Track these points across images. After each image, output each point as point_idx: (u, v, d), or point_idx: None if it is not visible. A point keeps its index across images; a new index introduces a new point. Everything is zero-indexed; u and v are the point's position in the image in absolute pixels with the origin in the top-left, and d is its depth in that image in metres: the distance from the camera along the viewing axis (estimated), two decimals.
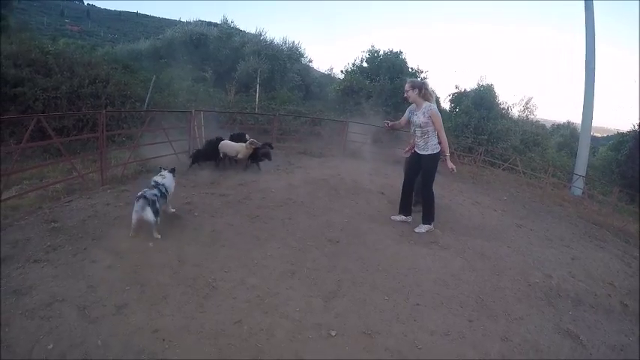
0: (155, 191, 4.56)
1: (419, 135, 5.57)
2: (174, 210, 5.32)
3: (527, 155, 18.68)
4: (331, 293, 3.83)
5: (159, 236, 4.49)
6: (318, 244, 4.90)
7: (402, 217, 6.13)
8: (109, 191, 6.01)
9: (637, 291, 5.49)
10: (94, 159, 7.46)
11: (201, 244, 4.49)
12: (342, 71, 22.66)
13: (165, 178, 4.96)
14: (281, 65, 21.87)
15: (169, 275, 3.80)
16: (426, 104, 5.44)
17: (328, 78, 26.38)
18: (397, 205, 6.28)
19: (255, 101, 17.40)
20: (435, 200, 5.96)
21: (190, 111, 9.12)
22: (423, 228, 5.84)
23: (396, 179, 7.77)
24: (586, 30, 16.09)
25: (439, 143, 5.53)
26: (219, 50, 23.01)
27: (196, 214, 5.33)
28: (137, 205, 4.31)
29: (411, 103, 5.62)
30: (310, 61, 26.22)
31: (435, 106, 5.47)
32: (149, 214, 4.31)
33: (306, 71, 24.50)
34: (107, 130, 7.13)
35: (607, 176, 22.16)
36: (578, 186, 14.21)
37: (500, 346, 3.55)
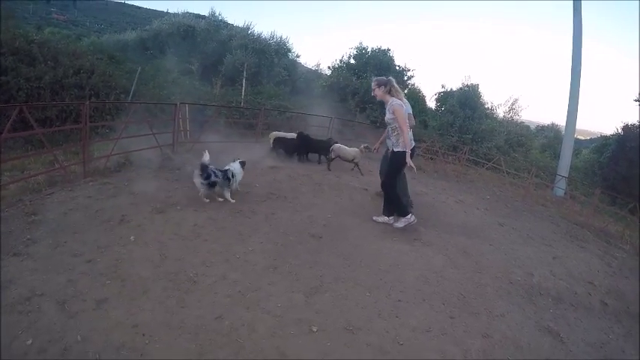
0: (214, 167, 5.57)
1: (390, 132, 5.57)
2: (233, 201, 5.81)
3: (511, 155, 18.99)
4: (313, 289, 3.82)
5: (207, 200, 5.63)
6: (301, 239, 4.88)
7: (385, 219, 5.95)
8: (91, 184, 5.92)
9: (617, 290, 5.59)
10: (77, 151, 7.36)
11: (183, 239, 4.46)
12: (329, 67, 22.73)
13: (234, 165, 5.93)
14: (268, 60, 21.78)
15: (150, 270, 3.76)
16: (391, 100, 5.43)
17: (315, 74, 26.33)
18: (381, 201, 6.24)
19: (241, 95, 17.33)
20: (419, 198, 6.01)
21: (175, 103, 9.02)
22: (379, 218, 5.84)
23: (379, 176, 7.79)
24: (573, 33, 16.29)
25: (410, 138, 5.48)
26: (207, 43, 22.85)
27: (179, 207, 5.27)
28: (195, 172, 5.50)
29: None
30: (298, 56, 26.16)
31: (399, 102, 5.39)
32: (197, 179, 5.46)
33: (293, 66, 24.42)
34: (90, 122, 7.02)
35: (589, 178, 22.60)
36: (561, 187, 14.44)
37: (482, 343, 3.59)
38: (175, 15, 26.46)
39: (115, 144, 7.04)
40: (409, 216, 5.70)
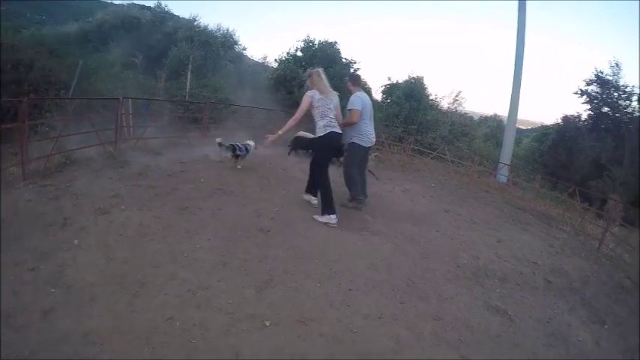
0: (239, 143, 7.55)
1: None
2: (240, 166, 7.50)
3: (456, 145, 19.63)
4: (264, 283, 3.80)
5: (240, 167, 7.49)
6: (249, 234, 4.81)
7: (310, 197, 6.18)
8: (30, 186, 5.60)
9: (559, 269, 5.92)
10: (15, 152, 6.97)
11: (129, 240, 4.30)
12: (276, 60, 22.32)
13: (250, 142, 7.76)
14: (214, 52, 21.37)
15: (97, 274, 3.62)
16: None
17: (262, 66, 26.05)
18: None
19: (185, 89, 16.94)
20: (368, 189, 6.18)
21: (118, 98, 8.70)
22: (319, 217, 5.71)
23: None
24: (517, 28, 17.04)
25: (321, 126, 5.57)
26: (151, 35, 22.16)
27: (123, 207, 5.04)
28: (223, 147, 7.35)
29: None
30: (244, 49, 25.85)
31: (309, 92, 5.61)
32: (226, 153, 7.34)
33: (239, 59, 24.10)
34: (29, 120, 6.67)
35: (530, 165, 23.88)
36: (504, 174, 15.10)
37: (433, 325, 3.71)
38: (120, 6, 25.57)
39: (55, 143, 6.71)
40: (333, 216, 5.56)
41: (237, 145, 7.36)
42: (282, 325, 3.25)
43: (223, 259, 4.13)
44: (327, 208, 5.52)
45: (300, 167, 8.44)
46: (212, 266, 3.97)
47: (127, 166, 6.85)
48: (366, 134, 6.16)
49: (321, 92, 5.58)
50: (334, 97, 5.72)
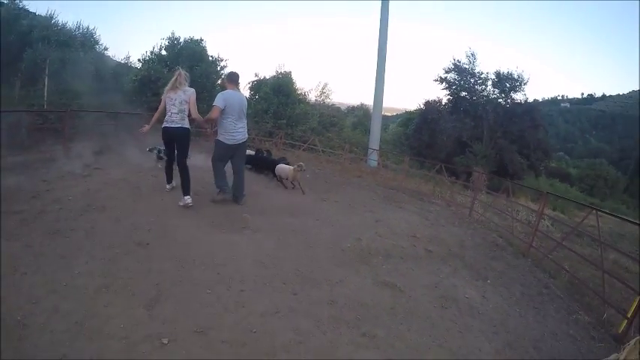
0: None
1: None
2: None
3: (326, 135, 20.46)
4: (153, 300, 3.60)
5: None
6: (128, 250, 4.51)
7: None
8: None
9: (437, 238, 6.48)
10: None
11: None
12: (139, 60, 20.96)
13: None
14: (73, 54, 19.34)
15: None
16: None
17: (125, 67, 24.31)
18: (205, 196, 6.67)
19: (43, 96, 15.26)
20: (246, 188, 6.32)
21: None
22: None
23: (201, 171, 7.66)
24: (380, 21, 18.11)
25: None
26: (3, 36, 19.39)
27: None
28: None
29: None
30: (106, 49, 23.70)
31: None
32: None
33: (101, 60, 22.10)
34: None
35: (398, 148, 25.81)
36: (374, 158, 16.13)
37: (329, 310, 3.85)
38: None
39: None
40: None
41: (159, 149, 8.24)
42: (181, 340, 3.11)
43: (105, 281, 3.79)
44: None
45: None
46: (95, 292, 3.62)
47: None
48: (230, 132, 6.30)
49: (168, 90, 6.15)
50: (183, 93, 6.08)
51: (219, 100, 6.15)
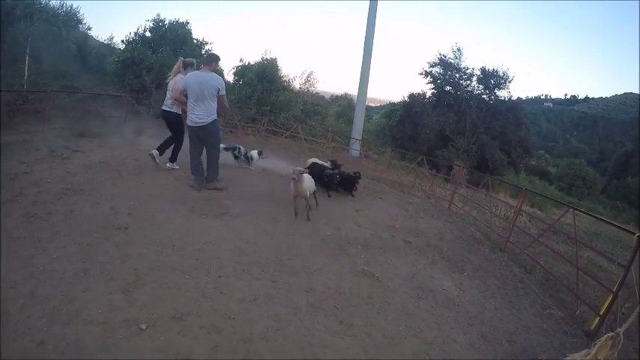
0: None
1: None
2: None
3: (308, 123, 20.36)
4: (131, 285, 3.58)
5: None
6: (107, 234, 4.47)
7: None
8: None
9: (416, 230, 6.55)
10: None
11: None
12: (123, 41, 20.62)
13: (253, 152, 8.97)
14: (56, 32, 18.95)
15: None
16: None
17: (108, 48, 23.86)
18: (184, 180, 6.79)
19: (24, 75, 14.95)
20: (222, 171, 6.81)
21: None
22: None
23: (185, 156, 7.59)
24: (368, 12, 18.10)
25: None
26: None
27: None
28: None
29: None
30: (89, 28, 23.25)
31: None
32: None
33: (84, 40, 21.69)
34: None
35: (380, 139, 25.89)
36: (356, 148, 16.21)
37: (307, 298, 3.89)
38: None
39: None
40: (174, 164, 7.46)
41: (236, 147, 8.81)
42: (159, 326, 3.10)
43: (84, 265, 3.76)
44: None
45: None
46: (73, 276, 3.58)
47: None
48: (190, 114, 6.30)
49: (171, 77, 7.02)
50: (173, 81, 6.88)
51: (180, 82, 6.36)
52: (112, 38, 25.99)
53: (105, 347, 2.83)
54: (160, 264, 4.01)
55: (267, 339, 3.20)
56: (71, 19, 20.89)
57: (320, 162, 8.42)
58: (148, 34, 20.30)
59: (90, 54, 21.55)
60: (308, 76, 25.32)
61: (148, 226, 4.81)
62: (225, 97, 6.48)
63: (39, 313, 3.07)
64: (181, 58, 7.11)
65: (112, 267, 3.84)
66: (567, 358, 2.50)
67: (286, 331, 3.34)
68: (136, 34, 20.39)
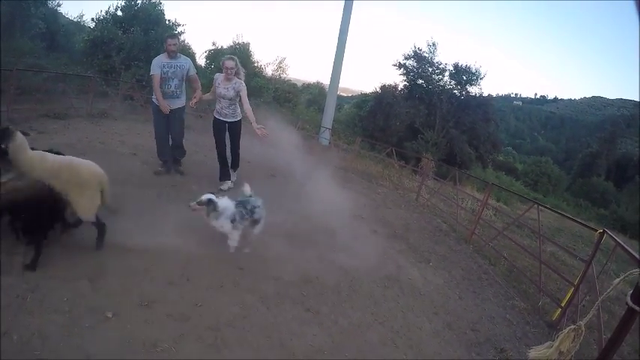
0: None
1: (227, 104, 6.32)
2: None
3: (280, 110, 20.16)
4: (97, 272, 3.49)
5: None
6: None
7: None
8: None
9: (383, 219, 6.64)
10: None
11: None
12: (93, 19, 19.73)
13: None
14: (23, 8, 18.06)
15: None
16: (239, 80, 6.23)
17: (77, 26, 22.95)
18: (152, 166, 6.56)
19: None
20: (192, 157, 6.45)
21: None
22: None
23: (148, 138, 7.48)
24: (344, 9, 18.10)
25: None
26: None
27: None
28: None
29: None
30: (59, 5, 22.24)
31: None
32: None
33: (53, 17, 20.77)
34: None
35: (351, 129, 25.94)
36: (326, 137, 16.27)
37: (274, 285, 3.93)
38: None
39: None
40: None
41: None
42: (125, 314, 3.06)
43: (47, 252, 3.53)
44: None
45: (121, 140, 8.13)
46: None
47: None
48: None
49: None
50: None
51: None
52: (82, 16, 24.75)
53: (70, 336, 2.77)
54: (126, 251, 3.91)
55: (235, 326, 3.22)
56: None
57: None
58: (119, 12, 19.46)
59: (58, 32, 20.74)
60: (280, 63, 25.07)
61: (110, 215, 4.66)
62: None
63: (3, 303, 2.94)
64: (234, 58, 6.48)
65: (77, 254, 3.72)
66: (531, 350, 2.58)
67: (253, 318, 3.37)
68: (107, 12, 19.51)
